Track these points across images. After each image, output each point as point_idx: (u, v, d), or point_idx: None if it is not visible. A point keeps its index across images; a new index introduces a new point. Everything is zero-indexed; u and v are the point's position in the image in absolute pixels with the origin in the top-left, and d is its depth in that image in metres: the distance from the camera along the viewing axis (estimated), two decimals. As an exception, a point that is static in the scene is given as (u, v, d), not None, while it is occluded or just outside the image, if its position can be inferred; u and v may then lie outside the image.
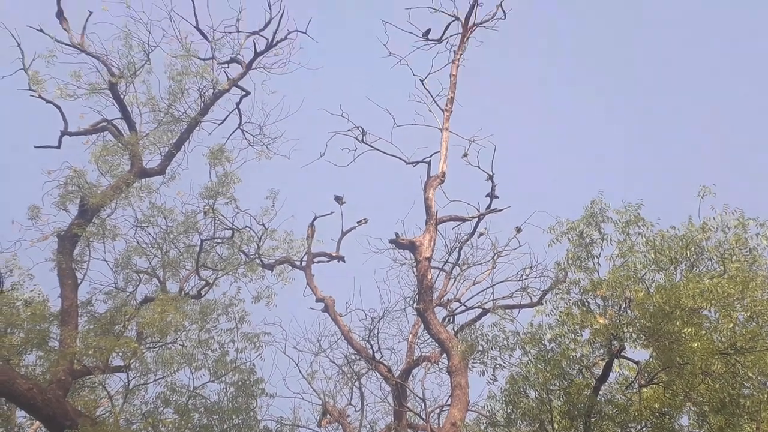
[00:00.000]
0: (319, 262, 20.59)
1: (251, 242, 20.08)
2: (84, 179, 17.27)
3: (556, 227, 13.33)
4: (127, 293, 18.42)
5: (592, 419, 12.51)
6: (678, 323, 11.19)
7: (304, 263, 20.27)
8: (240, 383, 14.65)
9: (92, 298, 17.95)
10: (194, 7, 18.31)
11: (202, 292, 18.99)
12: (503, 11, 18.70)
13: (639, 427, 12.46)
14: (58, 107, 17.89)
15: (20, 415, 18.24)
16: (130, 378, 15.69)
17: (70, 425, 13.26)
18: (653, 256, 12.23)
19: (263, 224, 20.04)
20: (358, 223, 20.38)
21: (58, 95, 17.71)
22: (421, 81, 18.62)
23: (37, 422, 17.53)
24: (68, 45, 17.94)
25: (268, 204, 20.04)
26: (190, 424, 13.92)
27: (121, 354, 15.66)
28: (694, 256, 12.10)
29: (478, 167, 18.28)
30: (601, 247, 12.96)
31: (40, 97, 17.70)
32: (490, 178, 18.27)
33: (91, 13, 18.04)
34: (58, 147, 18.01)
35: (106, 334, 15.70)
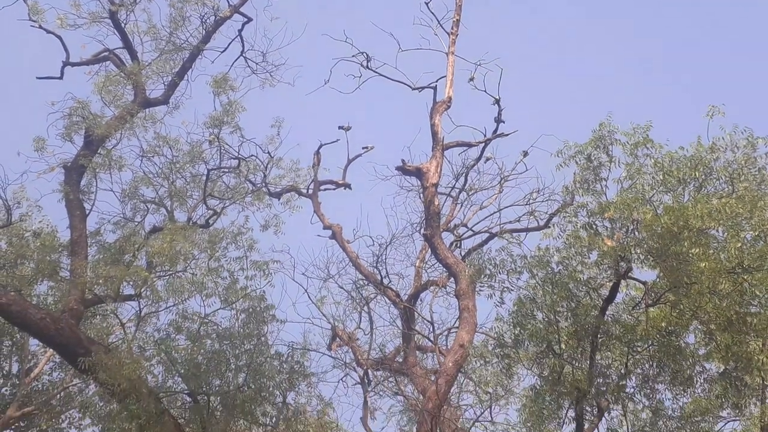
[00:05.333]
0: (325, 189, 20.60)
1: (257, 171, 20.07)
2: (88, 110, 17.17)
3: (564, 151, 13.20)
4: (136, 223, 18.50)
5: (599, 339, 12.67)
6: (686, 244, 11.22)
7: (310, 191, 20.29)
8: (250, 310, 14.76)
9: (101, 229, 18.05)
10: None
11: (210, 222, 19.07)
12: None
13: (645, 345, 12.63)
14: (59, 37, 17.75)
15: (33, 343, 18.57)
16: (142, 306, 15.88)
17: (84, 353, 13.43)
18: (661, 177, 12.17)
19: (269, 153, 20.01)
20: (363, 149, 20.31)
21: (58, 25, 17.54)
22: (426, 4, 18.31)
23: (51, 351, 17.87)
24: (67, -28, 17.63)
25: (274, 132, 19.97)
26: (202, 350, 14.09)
27: (131, 283, 15.84)
28: (703, 177, 12.03)
29: (485, 91, 18.10)
30: (609, 169, 12.89)
31: (40, 27, 17.51)
32: (497, 102, 18.10)
33: (88, -60, 17.72)
34: (61, 78, 17.91)
35: (116, 264, 15.84)
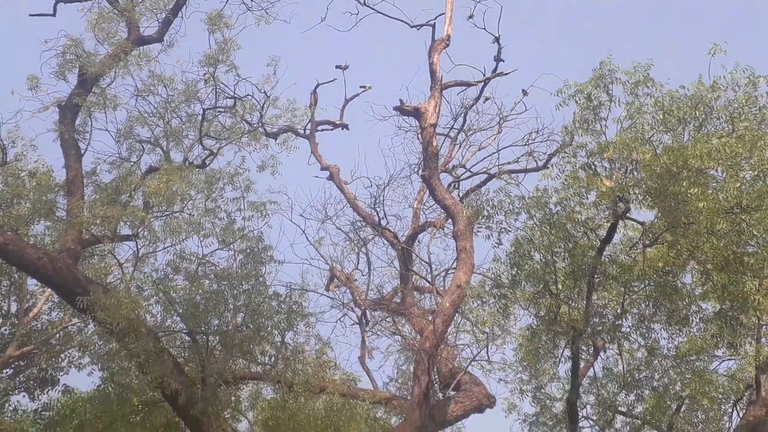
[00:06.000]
0: (323, 130, 20.46)
1: (254, 111, 19.85)
2: (81, 48, 16.94)
3: (564, 90, 12.99)
4: (132, 163, 18.39)
5: (596, 279, 12.70)
6: (684, 184, 11.15)
7: (307, 132, 20.14)
8: (248, 250, 14.74)
9: (97, 168, 17.98)
10: None
11: (207, 162, 18.94)
12: None
13: (642, 285, 12.67)
14: (52, -28, 17.41)
15: (32, 283, 18.67)
16: (139, 246, 15.87)
17: (82, 293, 13.42)
18: (661, 117, 12.03)
19: (265, 92, 19.77)
20: (361, 89, 20.09)
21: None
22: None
23: (49, 290, 17.94)
24: None
25: (270, 71, 19.71)
26: (200, 291, 14.11)
27: (128, 223, 15.81)
28: (703, 116, 11.89)
29: (484, 29, 17.82)
30: (609, 109, 12.73)
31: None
32: (497, 40, 17.82)
33: None
34: (54, 15, 17.63)
35: (112, 204, 15.78)
